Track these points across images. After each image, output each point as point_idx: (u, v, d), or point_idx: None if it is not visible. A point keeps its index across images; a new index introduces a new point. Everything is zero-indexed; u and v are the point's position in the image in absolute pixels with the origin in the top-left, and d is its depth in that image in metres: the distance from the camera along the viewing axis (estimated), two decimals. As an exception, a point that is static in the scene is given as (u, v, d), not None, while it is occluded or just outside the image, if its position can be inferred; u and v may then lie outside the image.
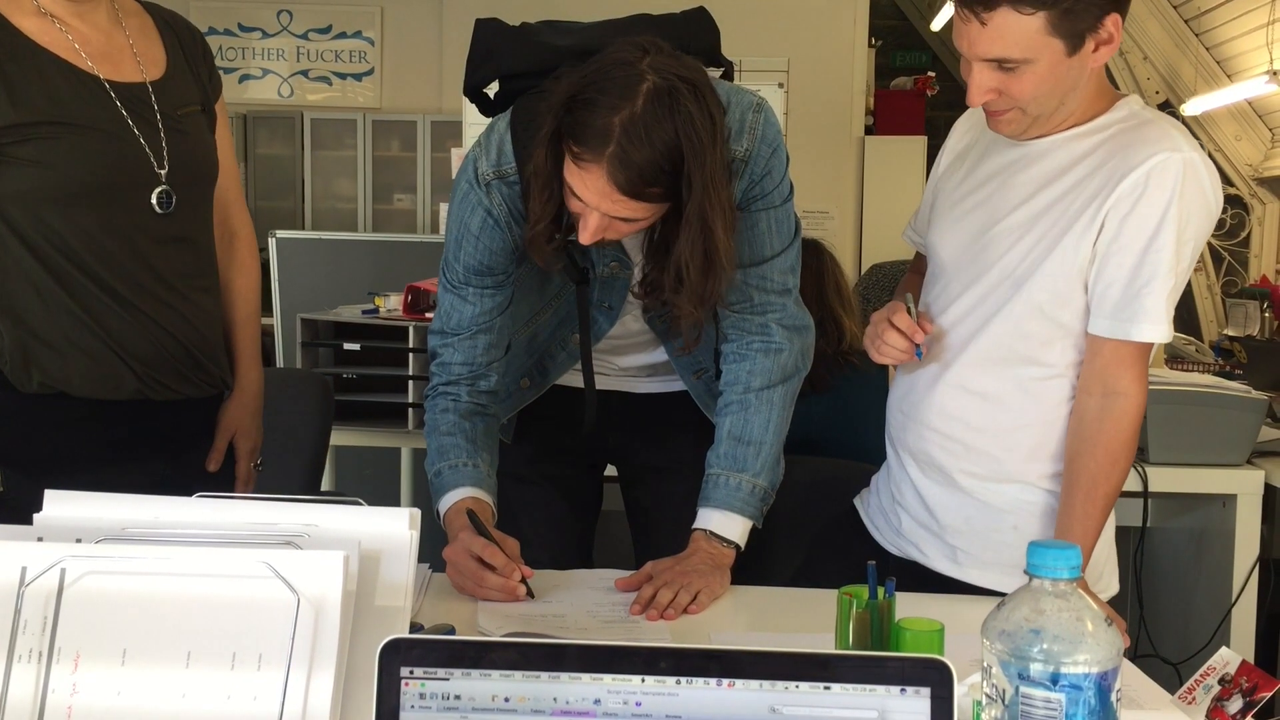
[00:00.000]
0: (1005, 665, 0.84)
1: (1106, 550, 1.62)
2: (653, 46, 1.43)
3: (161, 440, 1.69)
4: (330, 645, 0.96)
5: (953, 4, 1.46)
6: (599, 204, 1.42)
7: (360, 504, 1.10)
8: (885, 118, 7.60)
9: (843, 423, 2.44)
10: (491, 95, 1.71)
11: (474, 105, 1.72)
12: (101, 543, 1.01)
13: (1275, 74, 5.83)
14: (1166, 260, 1.45)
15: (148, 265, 1.63)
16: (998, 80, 1.46)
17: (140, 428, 1.66)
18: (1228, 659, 1.13)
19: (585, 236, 1.46)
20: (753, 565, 1.66)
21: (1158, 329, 1.47)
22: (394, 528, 1.06)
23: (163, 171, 1.62)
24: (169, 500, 1.06)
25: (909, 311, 1.57)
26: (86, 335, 1.60)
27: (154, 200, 1.62)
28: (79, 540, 1.02)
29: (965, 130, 1.71)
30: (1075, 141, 1.53)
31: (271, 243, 3.52)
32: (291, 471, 2.30)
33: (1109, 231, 1.47)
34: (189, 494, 1.09)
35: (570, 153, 1.41)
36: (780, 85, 4.59)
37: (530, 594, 1.51)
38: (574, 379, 1.81)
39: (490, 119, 1.68)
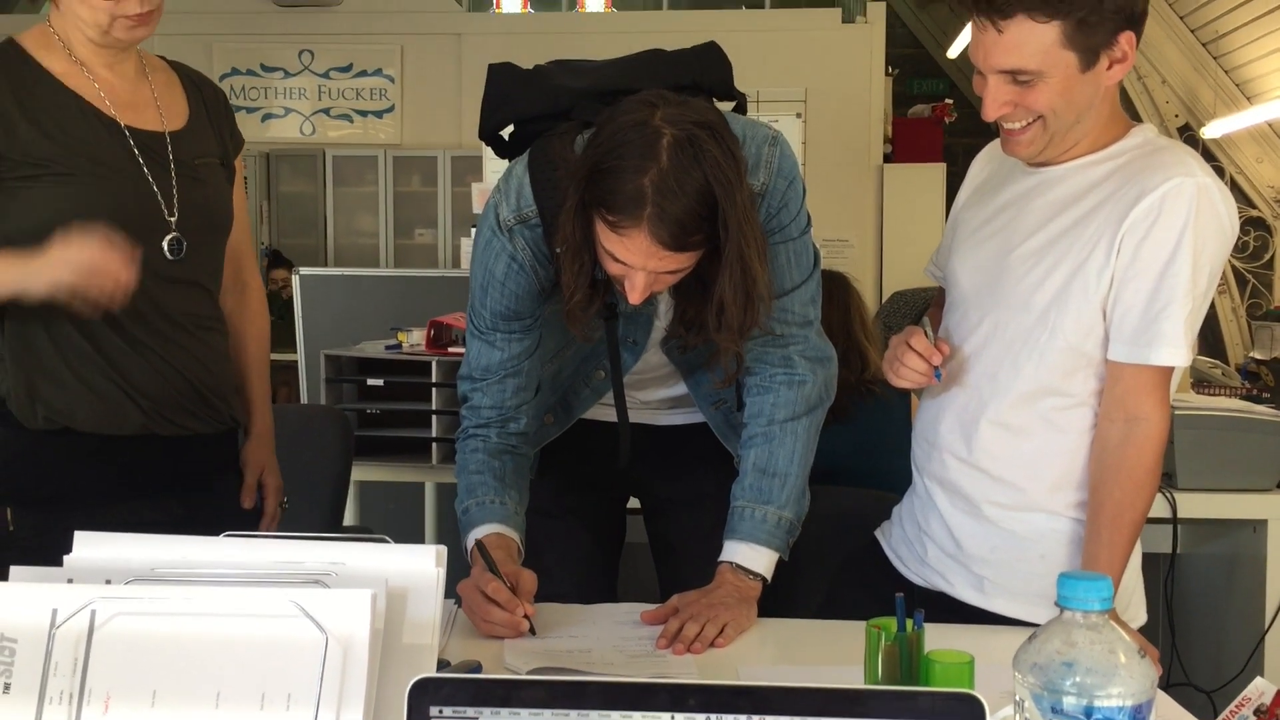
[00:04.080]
0: (1038, 699, 0.83)
1: (1134, 578, 1.60)
2: (659, 99, 1.43)
3: (173, 477, 1.70)
4: (358, 684, 0.96)
5: (970, 14, 1.47)
6: (645, 264, 1.43)
7: (387, 541, 1.11)
8: (904, 145, 7.63)
9: (866, 452, 2.44)
10: (506, 137, 1.73)
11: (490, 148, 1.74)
12: (131, 583, 1.01)
13: (1295, 95, 5.82)
14: (1183, 284, 1.45)
15: (155, 304, 1.65)
16: (1013, 94, 1.47)
17: (149, 464, 1.67)
18: (1263, 689, 1.12)
19: (635, 297, 1.47)
20: (778, 597, 1.65)
21: (1177, 353, 1.46)
22: (421, 565, 1.06)
23: (173, 219, 1.65)
24: (197, 540, 1.07)
25: (926, 334, 1.57)
26: (92, 370, 1.62)
27: (165, 246, 1.65)
28: (108, 581, 1.03)
29: (984, 164, 1.71)
30: (1090, 168, 1.53)
31: (295, 279, 3.55)
32: (313, 508, 2.30)
33: (1125, 256, 1.47)
34: (206, 532, 1.09)
35: (606, 221, 1.42)
36: (798, 115, 4.63)
37: (532, 630, 1.50)
38: (597, 413, 1.81)
39: (507, 161, 1.70)
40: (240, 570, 1.04)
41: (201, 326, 1.72)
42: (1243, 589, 2.68)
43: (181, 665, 0.97)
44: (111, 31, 1.61)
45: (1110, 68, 1.46)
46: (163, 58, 1.79)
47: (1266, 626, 2.56)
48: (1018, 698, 0.85)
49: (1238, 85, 6.74)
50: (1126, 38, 1.45)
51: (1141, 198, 1.45)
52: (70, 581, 1.03)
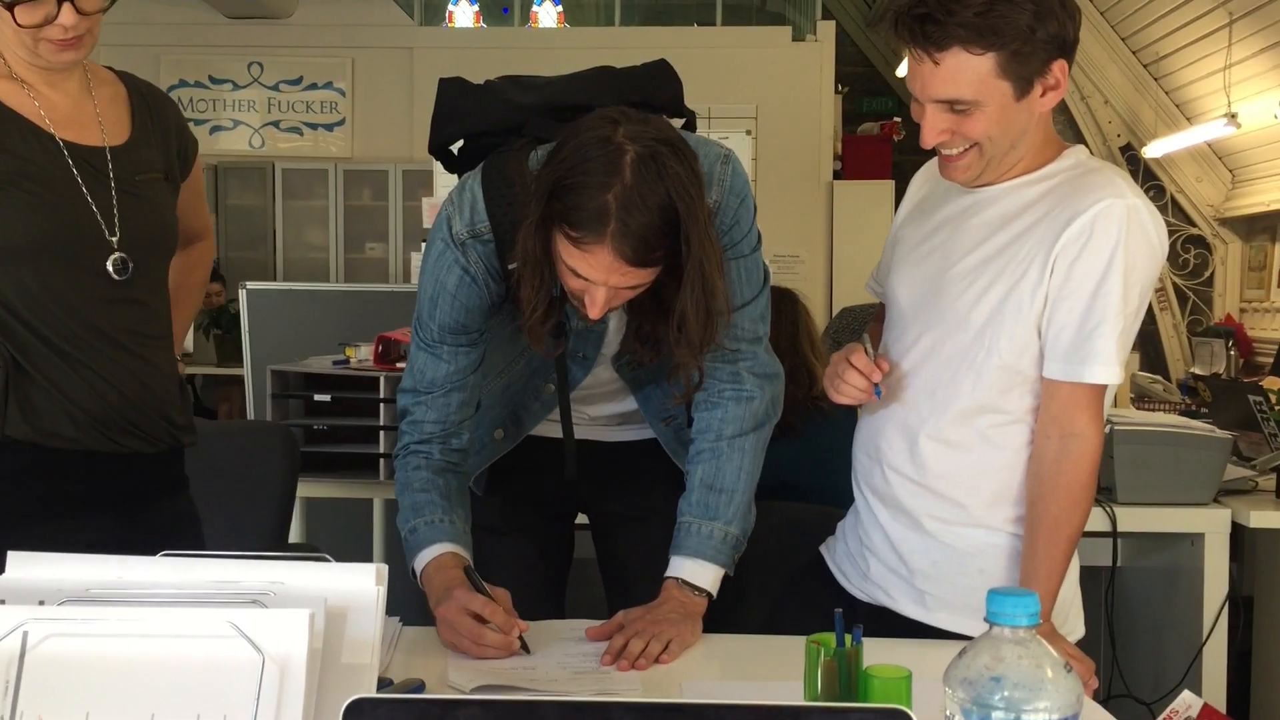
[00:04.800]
0: (967, 713, 0.85)
1: (1072, 592, 1.63)
2: (621, 116, 1.44)
3: (109, 496, 1.67)
4: (295, 704, 0.95)
5: (907, 45, 1.50)
6: (607, 279, 1.44)
7: (327, 560, 1.10)
8: (853, 163, 7.71)
9: (813, 467, 2.45)
10: (455, 152, 1.73)
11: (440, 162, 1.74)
12: (64, 604, 1.00)
13: (1233, 116, 5.96)
14: (1115, 303, 1.48)
15: (91, 324, 1.62)
16: (950, 122, 1.50)
17: (85, 482, 1.64)
18: (1190, 702, 1.14)
19: (595, 312, 1.47)
20: (724, 612, 1.66)
21: (1110, 370, 1.50)
22: (361, 584, 1.06)
23: (114, 239, 1.63)
24: (132, 560, 1.06)
25: (866, 352, 1.59)
26: (26, 384, 1.59)
27: (110, 267, 1.62)
28: (42, 602, 1.01)
29: (923, 182, 1.74)
30: (1024, 189, 1.56)
31: (241, 294, 3.52)
32: (258, 524, 2.28)
33: (1058, 276, 1.50)
34: (145, 554, 1.08)
35: (568, 238, 1.42)
36: (749, 132, 4.65)
37: (526, 648, 1.50)
38: (545, 429, 1.81)
39: (456, 175, 1.70)
40: (177, 591, 1.03)
41: (142, 344, 1.69)
42: (1181, 602, 2.73)
43: (116, 686, 0.96)
44: (39, 54, 1.59)
45: (1044, 95, 1.50)
46: (112, 69, 1.77)
47: (1204, 638, 2.60)
48: (948, 713, 0.86)
49: (1178, 106, 6.89)
50: (1059, 65, 1.48)
51: (1074, 219, 1.49)
52: (2, 602, 1.02)
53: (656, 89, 1.68)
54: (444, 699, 0.80)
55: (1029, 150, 1.55)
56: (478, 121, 1.66)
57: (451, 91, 1.70)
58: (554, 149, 1.47)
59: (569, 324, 1.64)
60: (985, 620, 0.87)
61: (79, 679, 0.96)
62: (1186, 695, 1.16)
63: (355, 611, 1.04)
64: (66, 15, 1.55)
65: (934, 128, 1.51)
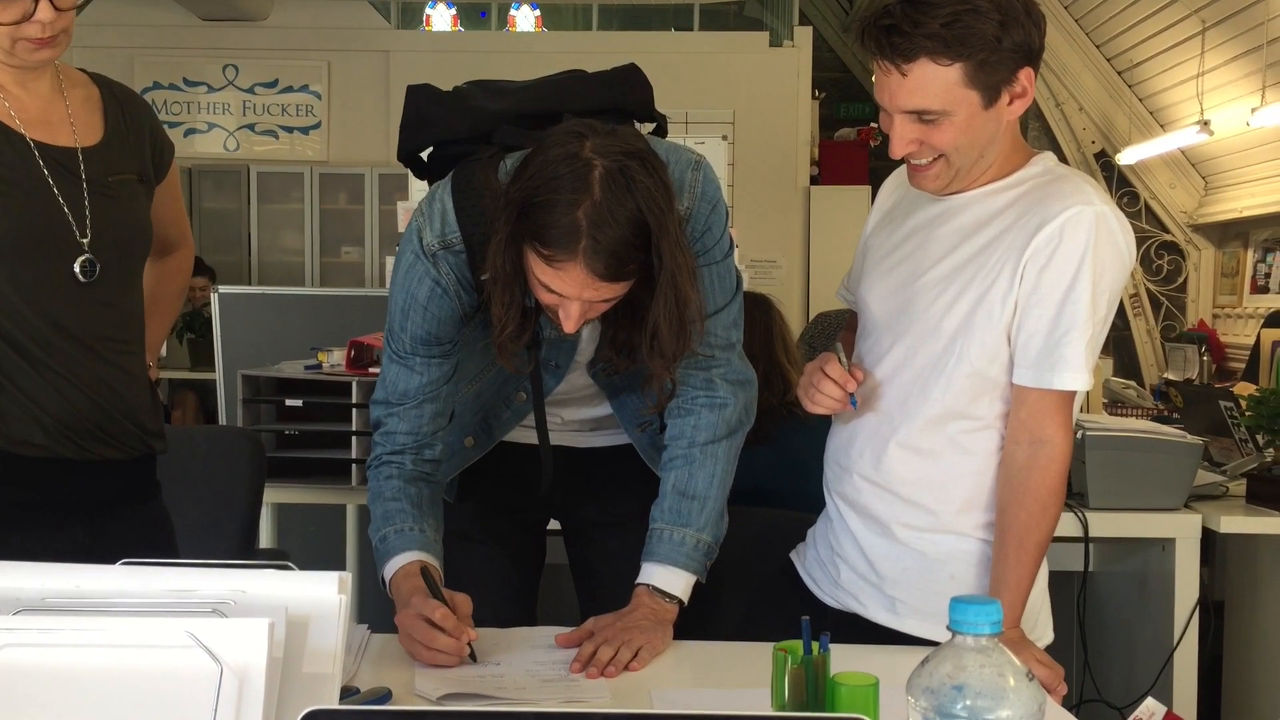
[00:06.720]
0: (930, 722, 0.85)
1: (1041, 598, 1.63)
2: (588, 130, 1.43)
3: (78, 503, 1.65)
4: (254, 715, 0.94)
5: (874, 57, 1.50)
6: (580, 294, 1.44)
7: (291, 568, 1.09)
8: (830, 168, 7.73)
9: (787, 473, 2.45)
10: (425, 158, 1.72)
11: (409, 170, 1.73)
12: (20, 614, 0.99)
13: (1206, 124, 6.01)
14: (1084, 310, 1.48)
15: (61, 327, 1.61)
16: (919, 132, 1.50)
17: (54, 489, 1.62)
18: (1153, 709, 1.15)
19: (569, 326, 1.47)
20: (696, 619, 1.66)
21: (1078, 377, 1.50)
22: (323, 592, 1.05)
23: (85, 240, 1.61)
24: (91, 569, 1.04)
25: (840, 361, 1.59)
26: None
27: (76, 269, 1.61)
28: (-3, 612, 1.00)
29: (892, 189, 1.75)
30: (993, 196, 1.57)
31: (214, 298, 3.50)
32: (225, 530, 2.27)
33: (1027, 283, 1.51)
34: (112, 561, 1.07)
35: (540, 255, 1.42)
36: (725, 137, 4.65)
37: (473, 657, 1.49)
38: (517, 435, 1.80)
39: (426, 183, 1.69)
40: (135, 600, 1.02)
41: (113, 350, 1.67)
42: (1153, 607, 2.74)
43: (72, 697, 0.95)
44: (15, 53, 1.58)
45: (1011, 103, 1.50)
46: (85, 71, 1.76)
47: (1175, 643, 2.61)
48: (911, 721, 0.86)
49: (1152, 113, 6.94)
50: (1025, 74, 1.49)
51: (1042, 226, 1.49)
52: (-43, 612, 1.00)
53: (626, 94, 1.68)
54: (403, 710, 0.79)
55: (997, 158, 1.55)
56: (447, 129, 1.65)
57: (420, 99, 1.69)
58: (521, 165, 1.46)
59: (542, 333, 1.63)
60: (948, 628, 0.87)
61: (35, 690, 0.95)
62: (1150, 702, 1.16)
63: (317, 620, 1.03)
64: (44, 11, 1.54)
65: (903, 138, 1.51)
